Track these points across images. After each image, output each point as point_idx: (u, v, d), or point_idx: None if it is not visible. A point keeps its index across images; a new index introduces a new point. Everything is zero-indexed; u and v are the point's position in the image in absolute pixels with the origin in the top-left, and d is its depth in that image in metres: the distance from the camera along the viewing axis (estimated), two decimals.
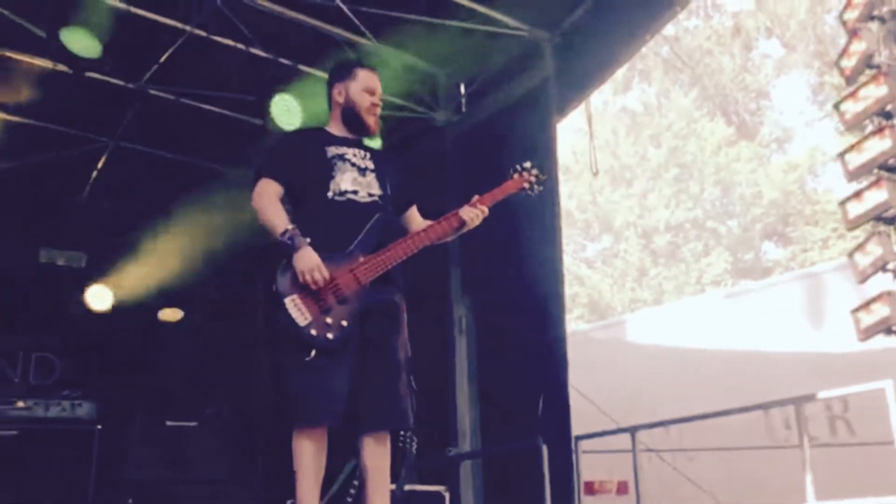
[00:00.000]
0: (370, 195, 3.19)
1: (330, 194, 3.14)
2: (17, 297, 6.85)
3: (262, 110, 5.97)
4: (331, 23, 5.93)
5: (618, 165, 24.33)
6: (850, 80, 5.28)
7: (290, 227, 3.03)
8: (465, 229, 3.23)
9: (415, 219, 3.35)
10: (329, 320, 2.96)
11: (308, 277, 2.94)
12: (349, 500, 4.82)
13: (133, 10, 5.43)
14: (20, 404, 5.82)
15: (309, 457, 3.00)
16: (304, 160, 3.22)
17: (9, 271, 6.94)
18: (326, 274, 2.96)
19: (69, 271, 7.25)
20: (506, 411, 5.91)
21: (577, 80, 5.98)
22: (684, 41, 24.46)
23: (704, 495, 7.22)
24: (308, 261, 2.96)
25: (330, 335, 2.95)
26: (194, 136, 6.87)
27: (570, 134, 20.99)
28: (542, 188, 3.37)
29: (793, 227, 22.18)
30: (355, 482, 4.86)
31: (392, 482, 3.22)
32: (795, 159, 23.52)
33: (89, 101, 6.22)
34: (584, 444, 5.71)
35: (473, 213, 3.18)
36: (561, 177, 5.80)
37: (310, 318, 2.95)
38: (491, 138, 6.34)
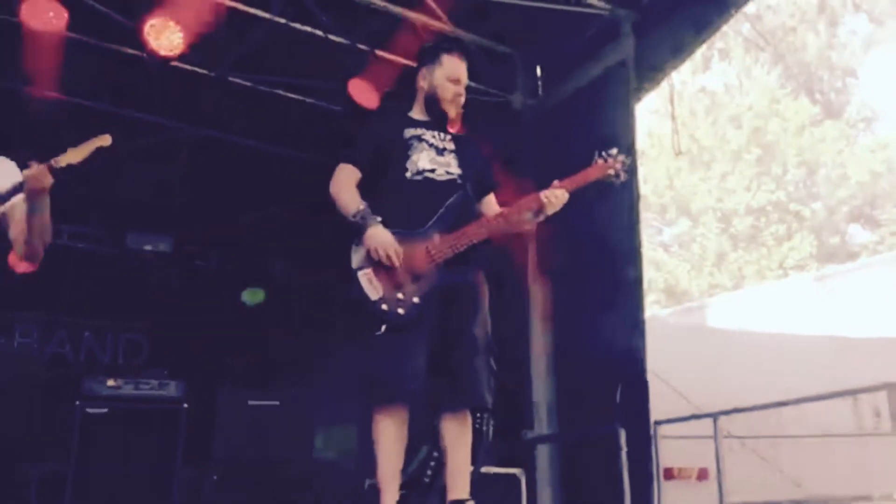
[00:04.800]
0: (448, 173, 3.20)
1: (408, 174, 3.16)
2: (106, 281, 7.11)
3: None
4: (407, 7, 5.94)
5: (696, 148, 23.74)
6: None
7: (361, 206, 3.06)
8: (543, 214, 3.16)
9: (491, 206, 3.34)
10: (401, 296, 2.96)
11: (381, 253, 2.95)
12: (426, 480, 4.84)
13: None
14: (110, 383, 6.01)
15: (388, 438, 3.02)
16: (382, 142, 3.26)
17: (98, 256, 7.22)
18: (399, 249, 2.96)
19: (155, 255, 7.48)
20: (583, 395, 5.85)
21: (656, 59, 5.84)
22: (766, 19, 23.70)
23: (787, 482, 7.04)
24: (379, 237, 2.97)
25: (401, 310, 2.95)
26: (273, 123, 6.96)
27: (646, 115, 20.58)
28: (627, 175, 3.30)
29: (881, 210, 21.38)
30: (432, 463, 4.88)
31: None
32: (884, 139, 22.62)
33: (171, 89, 6.36)
34: (664, 430, 5.62)
35: (553, 196, 3.12)
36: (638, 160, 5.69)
37: (381, 293, 2.95)
38: (568, 121, 6.25)
